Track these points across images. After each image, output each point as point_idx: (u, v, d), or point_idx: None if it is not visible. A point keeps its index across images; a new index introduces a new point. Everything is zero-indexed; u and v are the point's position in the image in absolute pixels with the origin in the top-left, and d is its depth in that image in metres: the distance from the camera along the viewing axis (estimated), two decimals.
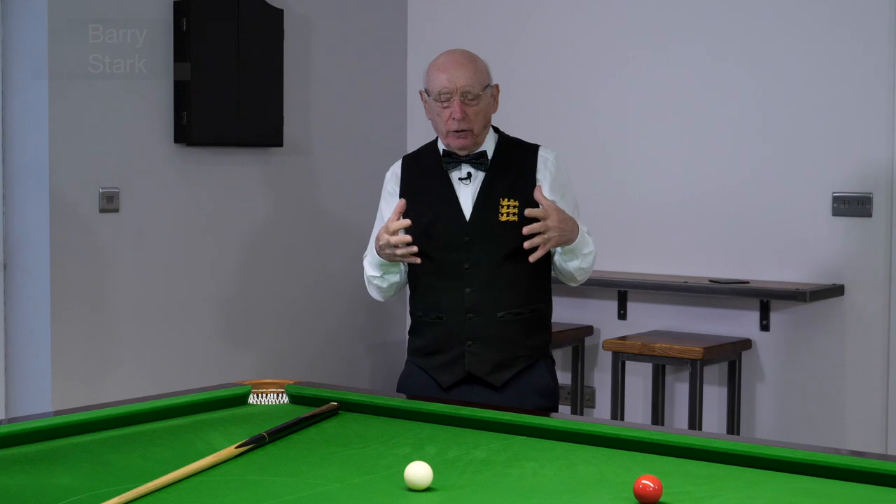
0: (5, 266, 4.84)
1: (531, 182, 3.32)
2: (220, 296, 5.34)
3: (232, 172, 5.36)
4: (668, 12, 5.44)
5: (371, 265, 3.39)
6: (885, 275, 4.94)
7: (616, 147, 5.52)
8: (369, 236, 5.63)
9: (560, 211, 3.19)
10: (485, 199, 3.29)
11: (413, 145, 6.20)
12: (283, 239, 5.61)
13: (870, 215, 4.96)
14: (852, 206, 5.00)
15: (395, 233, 3.19)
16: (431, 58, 6.63)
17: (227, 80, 5.17)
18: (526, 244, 3.15)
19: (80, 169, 4.79)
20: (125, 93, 4.92)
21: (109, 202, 4.88)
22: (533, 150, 3.38)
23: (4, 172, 4.82)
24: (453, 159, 3.34)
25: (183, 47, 5.03)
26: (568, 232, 3.20)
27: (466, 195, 3.33)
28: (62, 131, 4.72)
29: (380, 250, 3.26)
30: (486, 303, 3.29)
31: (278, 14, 5.39)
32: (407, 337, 6.37)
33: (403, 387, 3.45)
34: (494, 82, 3.38)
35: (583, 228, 3.29)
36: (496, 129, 3.43)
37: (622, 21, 5.56)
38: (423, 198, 3.36)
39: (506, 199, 3.28)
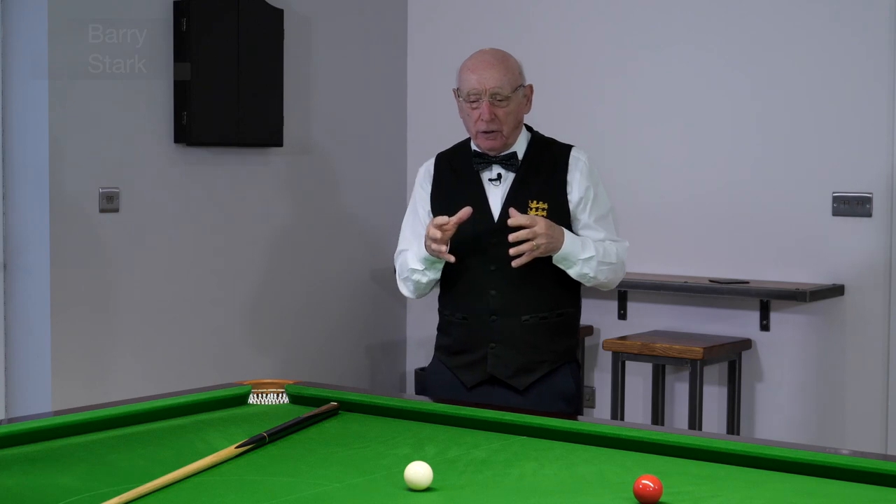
0: (5, 266, 4.85)
1: (561, 184, 3.29)
2: (220, 296, 5.34)
3: (232, 172, 5.36)
4: (669, 13, 5.44)
5: (415, 258, 3.34)
6: (885, 275, 4.94)
7: (616, 147, 5.52)
8: (373, 235, 5.67)
9: (546, 219, 3.17)
10: (514, 201, 3.26)
11: (413, 145, 6.22)
12: (283, 239, 5.61)
13: (870, 215, 4.96)
14: (852, 206, 5.00)
15: (443, 231, 3.17)
16: (431, 57, 6.64)
17: (227, 80, 5.17)
18: (512, 251, 3.14)
19: (80, 169, 4.79)
20: (125, 93, 4.92)
21: (109, 202, 4.88)
22: (565, 150, 3.36)
23: (4, 172, 4.82)
24: (484, 160, 3.32)
25: (183, 47, 5.03)
26: (555, 239, 3.18)
27: (496, 196, 3.31)
28: (62, 131, 4.72)
29: (426, 241, 3.23)
30: (511, 305, 3.28)
31: (278, 14, 5.39)
32: (406, 337, 6.39)
33: (428, 382, 3.45)
34: (528, 82, 3.35)
35: (579, 237, 3.25)
36: (529, 129, 3.40)
37: (622, 21, 5.56)
38: (454, 198, 3.34)
39: (535, 202, 3.26)
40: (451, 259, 3.19)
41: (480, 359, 3.31)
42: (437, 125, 6.05)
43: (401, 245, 3.48)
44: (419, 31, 6.16)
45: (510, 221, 3.15)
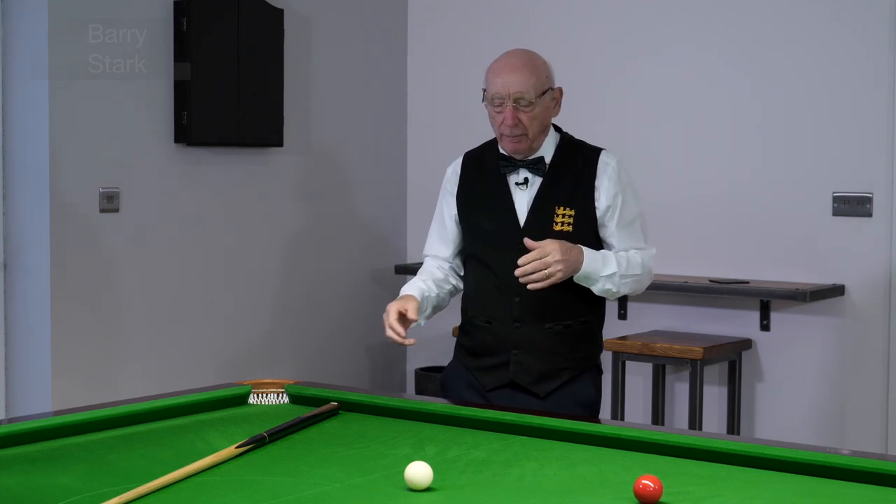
0: (5, 266, 4.84)
1: (589, 190, 3.24)
2: (220, 296, 5.34)
3: (232, 172, 5.36)
4: (669, 13, 5.44)
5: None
6: (885, 275, 4.94)
7: (616, 147, 5.41)
8: (373, 235, 5.64)
9: (561, 243, 3.11)
10: (540, 207, 3.22)
11: (413, 145, 6.22)
12: (283, 239, 5.61)
13: (870, 215, 4.96)
14: (852, 206, 5.00)
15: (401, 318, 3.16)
16: (431, 57, 6.63)
17: (227, 80, 5.17)
18: (521, 280, 3.08)
19: (80, 169, 4.79)
20: (125, 93, 4.92)
21: (109, 202, 4.88)
22: (594, 154, 3.30)
23: (4, 172, 4.82)
24: (511, 163, 3.26)
25: (183, 47, 5.03)
26: (574, 261, 3.12)
27: (522, 201, 3.25)
28: (62, 131, 4.72)
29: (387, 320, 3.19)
30: (535, 313, 3.22)
31: (278, 14, 5.39)
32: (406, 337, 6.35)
33: (447, 381, 3.41)
34: (557, 85, 3.29)
35: (599, 253, 3.20)
36: (558, 130, 3.35)
37: (623, 22, 5.56)
38: (480, 201, 3.31)
39: (561, 208, 3.21)
40: (409, 343, 3.14)
41: (502, 363, 3.27)
42: (437, 125, 6.06)
43: (426, 247, 3.46)
44: (419, 31, 6.16)
45: (525, 249, 3.09)
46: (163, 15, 5.03)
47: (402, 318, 3.17)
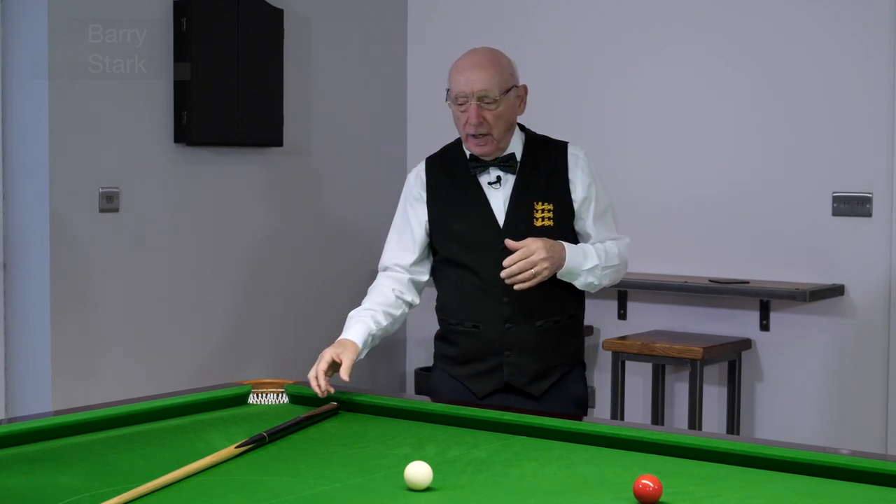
0: (5, 266, 4.85)
1: (564, 183, 3.22)
2: (221, 296, 5.34)
3: (232, 172, 5.37)
4: (669, 13, 5.44)
5: (352, 319, 3.25)
6: (885, 275, 4.94)
7: (616, 148, 5.52)
8: (373, 235, 5.61)
9: (544, 240, 3.07)
10: (518, 204, 3.19)
11: (413, 145, 6.22)
12: (283, 239, 5.61)
13: (870, 215, 4.96)
14: (852, 206, 5.00)
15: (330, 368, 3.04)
16: (431, 57, 6.63)
17: (227, 80, 5.17)
18: (507, 280, 3.04)
19: (80, 169, 4.79)
20: (125, 93, 4.92)
21: (109, 202, 4.88)
22: (562, 148, 3.26)
23: (4, 172, 4.82)
24: (480, 163, 3.23)
25: (183, 47, 5.03)
26: (557, 256, 3.09)
27: (498, 200, 3.21)
28: (62, 131, 4.72)
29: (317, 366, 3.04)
30: (525, 312, 3.19)
31: (278, 14, 5.39)
32: (406, 337, 6.37)
33: (435, 396, 3.32)
34: (522, 82, 3.24)
35: (579, 247, 3.18)
36: (523, 128, 3.31)
37: (623, 22, 5.56)
38: (453, 204, 3.26)
39: (540, 203, 3.19)
40: (328, 392, 2.99)
41: (494, 367, 3.23)
42: (437, 125, 6.02)
43: (383, 259, 3.38)
44: (419, 31, 6.16)
45: (508, 250, 3.05)
46: (163, 15, 5.03)
47: (335, 365, 3.05)
